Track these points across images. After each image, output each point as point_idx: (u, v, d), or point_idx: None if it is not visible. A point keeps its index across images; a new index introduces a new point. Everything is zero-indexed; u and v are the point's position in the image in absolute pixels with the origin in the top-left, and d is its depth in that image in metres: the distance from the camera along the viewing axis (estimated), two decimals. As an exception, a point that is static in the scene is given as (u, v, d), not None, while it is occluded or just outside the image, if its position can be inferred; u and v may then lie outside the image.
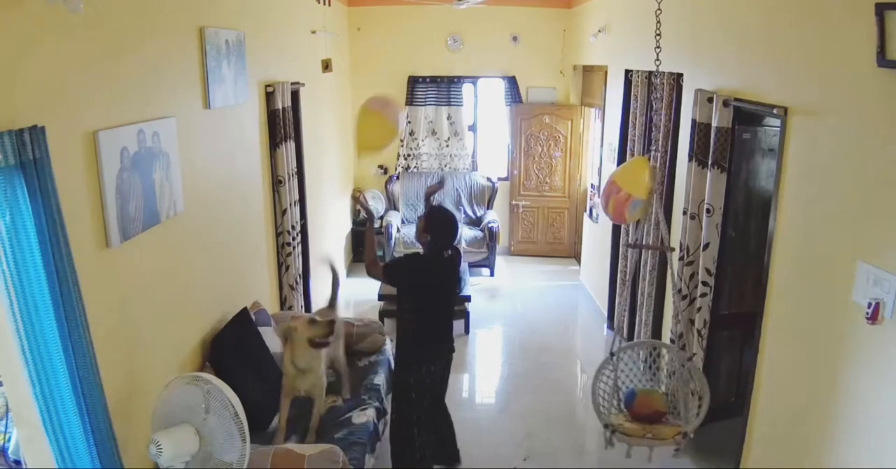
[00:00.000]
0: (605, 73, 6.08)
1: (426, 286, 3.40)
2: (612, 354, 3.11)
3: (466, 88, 7.78)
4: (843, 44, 2.45)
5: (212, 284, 3.46)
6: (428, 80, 7.68)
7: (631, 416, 3.05)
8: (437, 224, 3.40)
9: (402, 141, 7.80)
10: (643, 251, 4.56)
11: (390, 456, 3.55)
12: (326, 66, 5.75)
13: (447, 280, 3.53)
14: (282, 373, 3.48)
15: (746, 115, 3.52)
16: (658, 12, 2.99)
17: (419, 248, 3.64)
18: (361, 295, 6.51)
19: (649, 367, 3.23)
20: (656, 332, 4.56)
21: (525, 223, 7.94)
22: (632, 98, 5.05)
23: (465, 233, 7.06)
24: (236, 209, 3.84)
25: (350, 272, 7.38)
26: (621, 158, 5.39)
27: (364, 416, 3.52)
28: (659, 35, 2.99)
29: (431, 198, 3.95)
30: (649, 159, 2.99)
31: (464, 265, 6.51)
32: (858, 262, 2.34)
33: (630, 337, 5.19)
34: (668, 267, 3.17)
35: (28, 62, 1.96)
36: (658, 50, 3.00)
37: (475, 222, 7.50)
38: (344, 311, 6.16)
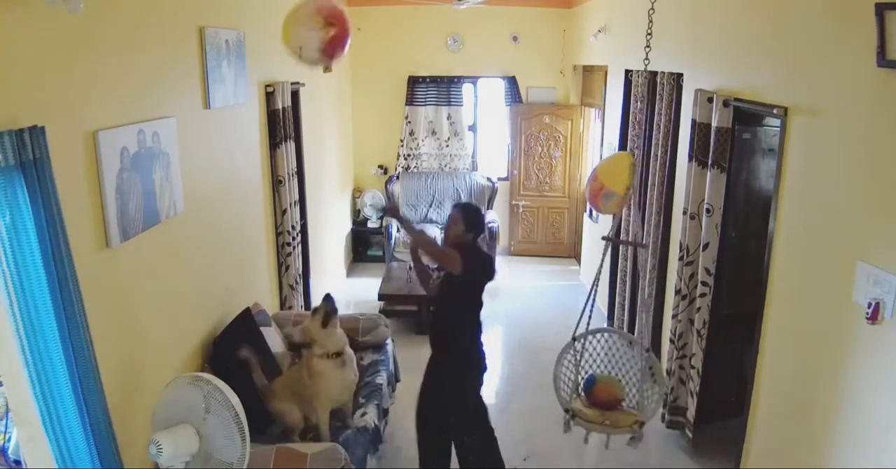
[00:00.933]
0: (605, 73, 6.08)
1: (484, 279, 3.40)
2: (574, 339, 3.16)
3: (466, 88, 7.77)
4: (843, 44, 2.45)
5: (212, 284, 3.46)
6: (428, 80, 7.68)
7: (589, 401, 3.11)
8: (476, 218, 3.38)
9: (401, 141, 7.80)
10: (642, 250, 4.57)
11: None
12: (326, 66, 5.74)
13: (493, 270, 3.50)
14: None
15: (746, 115, 3.51)
16: (651, 12, 3.00)
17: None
18: (362, 295, 6.51)
19: (610, 354, 3.29)
20: (656, 331, 4.56)
21: (525, 223, 7.94)
22: (632, 98, 5.05)
23: (465, 233, 7.05)
24: (236, 209, 3.84)
25: (350, 272, 7.38)
26: (621, 158, 5.38)
27: (366, 417, 3.52)
28: (650, 35, 3.00)
29: (398, 213, 3.73)
30: (633, 155, 3.01)
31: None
32: (858, 262, 2.34)
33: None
34: (667, 266, 3.19)
35: (28, 62, 1.96)
36: (648, 49, 3.01)
37: (475, 222, 7.49)
38: (345, 310, 6.15)
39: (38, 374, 1.92)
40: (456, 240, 3.34)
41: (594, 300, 3.14)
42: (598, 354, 3.28)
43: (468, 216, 3.36)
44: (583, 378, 3.21)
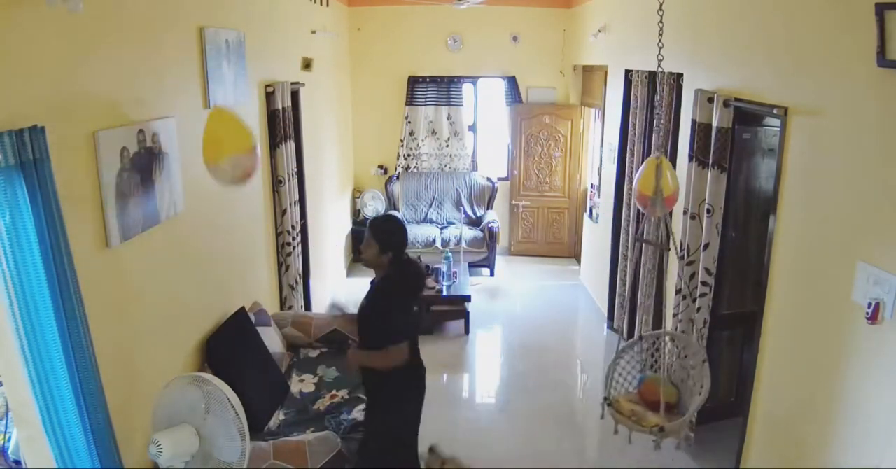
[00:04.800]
0: (605, 73, 6.08)
1: (413, 304, 3.10)
2: (640, 337, 3.16)
3: (466, 88, 7.77)
4: (843, 44, 2.45)
5: (212, 284, 3.45)
6: (428, 80, 7.68)
7: (640, 398, 3.10)
8: (388, 232, 2.99)
9: (401, 141, 7.80)
10: (643, 251, 4.57)
11: None
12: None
13: (422, 285, 3.26)
14: (281, 372, 3.47)
15: (746, 115, 3.52)
16: (660, 12, 2.99)
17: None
18: (362, 295, 6.49)
19: (674, 357, 3.26)
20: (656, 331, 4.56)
21: (525, 223, 7.94)
22: (632, 98, 5.05)
23: (465, 233, 7.06)
24: (236, 209, 3.84)
25: (350, 272, 7.38)
26: (621, 158, 5.39)
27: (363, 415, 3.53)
28: (661, 34, 2.98)
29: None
30: (658, 158, 3.01)
31: (463, 265, 6.52)
32: (858, 262, 2.34)
33: (630, 336, 5.18)
34: (666, 266, 3.19)
35: (28, 62, 1.96)
36: (660, 46, 2.99)
37: (475, 222, 7.50)
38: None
39: (38, 374, 1.92)
40: (376, 263, 3.00)
41: (628, 313, 3.11)
42: (666, 358, 3.23)
43: (378, 233, 2.96)
44: (640, 376, 3.22)
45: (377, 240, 2.94)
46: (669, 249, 3.72)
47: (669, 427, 2.89)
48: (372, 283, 3.12)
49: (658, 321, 4.58)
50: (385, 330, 2.94)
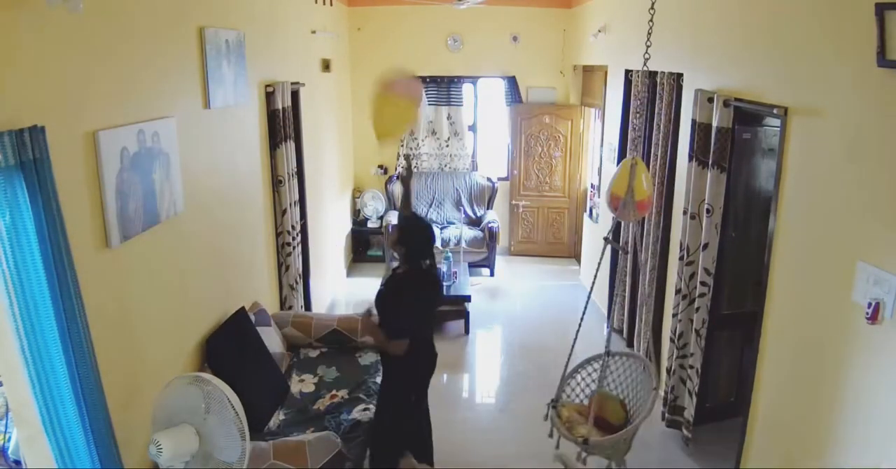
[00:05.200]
0: (605, 73, 6.08)
1: (426, 302, 3.36)
2: (607, 352, 3.18)
3: (466, 88, 7.77)
4: (843, 44, 2.46)
5: (212, 284, 3.46)
6: (428, 80, 7.67)
7: (587, 410, 3.11)
8: (412, 234, 3.29)
9: (402, 141, 7.80)
10: (642, 251, 4.58)
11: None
12: (326, 66, 5.71)
13: (438, 292, 3.51)
14: (281, 372, 3.47)
15: (746, 115, 3.52)
16: (651, 11, 3.00)
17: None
18: (361, 295, 6.51)
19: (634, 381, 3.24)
20: (656, 331, 4.56)
21: (525, 223, 7.94)
22: (632, 98, 5.05)
23: (465, 233, 7.06)
24: (236, 209, 3.84)
25: (350, 272, 7.38)
26: (621, 158, 5.39)
27: (366, 415, 3.52)
28: (650, 32, 3.00)
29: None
30: (633, 158, 3.03)
31: (463, 265, 6.52)
32: (858, 262, 2.34)
33: (630, 336, 5.19)
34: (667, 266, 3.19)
35: (28, 62, 1.96)
36: (648, 45, 3.00)
37: (475, 222, 7.50)
38: (345, 310, 6.16)
39: (38, 374, 1.92)
40: (393, 249, 3.38)
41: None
42: (626, 378, 3.25)
43: (403, 230, 3.30)
44: (595, 387, 3.22)
45: (400, 233, 3.28)
46: (628, 252, 3.74)
47: (593, 441, 2.89)
48: (394, 270, 3.41)
49: (658, 321, 4.58)
50: (393, 322, 3.19)
